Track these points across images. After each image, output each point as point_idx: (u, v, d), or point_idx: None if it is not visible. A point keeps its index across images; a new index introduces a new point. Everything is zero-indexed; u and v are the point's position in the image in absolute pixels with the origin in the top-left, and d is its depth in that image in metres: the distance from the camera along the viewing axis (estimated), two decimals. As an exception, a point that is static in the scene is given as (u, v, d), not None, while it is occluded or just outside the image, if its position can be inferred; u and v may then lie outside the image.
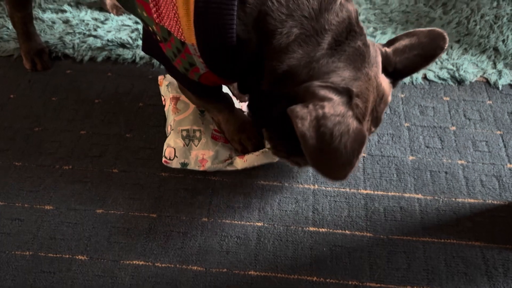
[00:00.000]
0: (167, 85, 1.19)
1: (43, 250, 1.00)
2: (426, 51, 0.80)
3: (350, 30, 0.73)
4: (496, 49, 1.40)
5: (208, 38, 0.74)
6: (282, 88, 0.74)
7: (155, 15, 0.77)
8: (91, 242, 1.01)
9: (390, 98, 0.83)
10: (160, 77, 1.24)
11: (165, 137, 1.13)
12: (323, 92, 0.68)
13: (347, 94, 0.70)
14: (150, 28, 0.84)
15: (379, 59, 0.78)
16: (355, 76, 0.73)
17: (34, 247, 1.00)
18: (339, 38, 0.72)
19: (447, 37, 0.80)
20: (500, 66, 1.36)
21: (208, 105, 1.06)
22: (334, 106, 0.67)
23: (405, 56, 0.80)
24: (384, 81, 0.79)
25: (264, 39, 0.73)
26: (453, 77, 1.34)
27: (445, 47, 0.79)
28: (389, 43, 0.83)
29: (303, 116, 0.66)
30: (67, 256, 0.99)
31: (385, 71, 0.80)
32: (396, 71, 0.81)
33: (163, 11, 0.76)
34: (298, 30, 0.71)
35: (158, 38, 0.83)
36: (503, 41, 1.42)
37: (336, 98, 0.69)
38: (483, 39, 1.43)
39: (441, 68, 1.36)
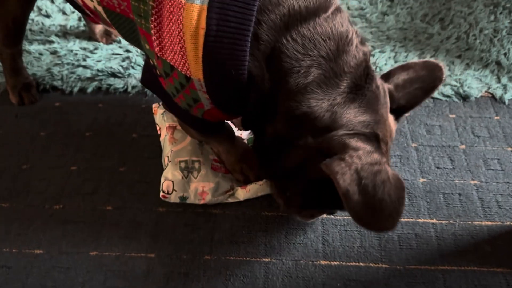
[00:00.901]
0: (162, 114, 1.13)
1: (33, 299, 0.92)
2: (426, 84, 0.79)
3: (368, 74, 0.71)
4: (498, 63, 1.37)
5: (218, 74, 0.69)
6: (299, 131, 0.71)
7: (157, 48, 0.73)
8: (85, 288, 0.93)
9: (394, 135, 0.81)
10: (154, 105, 1.18)
11: (161, 169, 1.06)
12: (354, 142, 0.66)
13: (375, 139, 0.68)
14: (151, 61, 0.79)
15: (388, 98, 0.76)
16: (376, 120, 0.70)
17: (23, 296, 0.92)
18: (358, 82, 0.70)
19: (443, 67, 0.79)
20: (504, 80, 1.32)
21: (209, 138, 1.00)
22: (369, 155, 0.64)
23: (407, 91, 0.79)
24: (391, 119, 0.77)
25: (279, 78, 0.69)
26: (457, 94, 1.29)
27: (444, 78, 0.79)
28: (386, 78, 0.81)
29: (343, 171, 0.62)
30: (60, 305, 0.91)
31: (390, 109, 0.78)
32: (399, 107, 0.80)
33: (167, 44, 0.71)
34: (317, 70, 0.68)
35: (158, 72, 0.78)
36: (505, 54, 1.38)
37: (368, 146, 0.66)
38: (485, 53, 1.39)
39: (444, 85, 1.31)
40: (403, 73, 0.80)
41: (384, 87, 0.76)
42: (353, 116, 0.68)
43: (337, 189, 0.63)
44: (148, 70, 0.85)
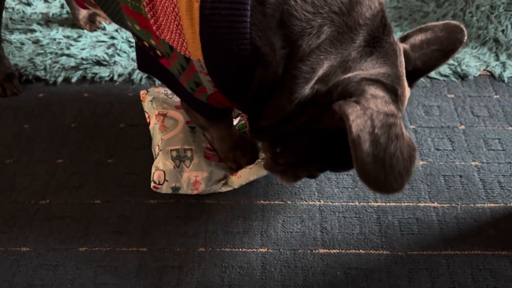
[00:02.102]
0: (151, 101, 1.08)
1: (20, 300, 0.88)
2: (445, 46, 0.72)
3: (385, 25, 0.65)
4: (496, 40, 1.33)
5: (218, 52, 0.64)
6: (311, 94, 0.64)
7: (154, 27, 0.67)
8: (75, 286, 0.89)
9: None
10: (142, 92, 1.13)
11: (151, 160, 1.02)
12: (373, 89, 0.59)
13: (394, 92, 0.61)
14: (145, 43, 0.73)
15: (403, 58, 0.69)
16: (395, 74, 0.64)
17: (9, 297, 0.88)
18: (376, 34, 0.64)
19: (464, 29, 0.73)
20: (503, 57, 1.28)
21: (211, 125, 0.95)
22: (386, 105, 0.58)
23: (424, 52, 0.72)
24: (406, 83, 0.71)
25: (289, 44, 0.63)
26: (455, 73, 1.25)
27: (464, 40, 0.72)
28: (402, 40, 0.74)
29: (357, 114, 0.56)
30: (48, 304, 0.87)
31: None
32: (415, 69, 0.73)
33: (163, 23, 0.65)
34: (329, 27, 0.62)
35: (158, 53, 0.73)
36: (503, 31, 1.34)
37: (386, 96, 0.59)
38: (482, 31, 1.35)
39: (441, 64, 1.27)
40: (420, 34, 0.74)
41: (400, 46, 0.70)
42: (371, 67, 0.63)
43: (347, 133, 0.56)
44: (142, 54, 0.79)
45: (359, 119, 0.56)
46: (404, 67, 0.69)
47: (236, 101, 0.75)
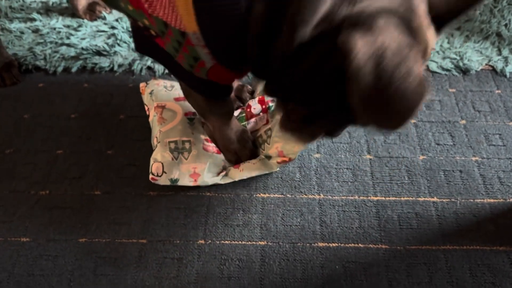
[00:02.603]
0: (150, 93, 1.08)
1: (20, 289, 0.88)
2: None
3: None
4: (499, 35, 1.32)
5: (213, 20, 0.62)
6: (314, 39, 0.58)
7: (146, 5, 0.66)
8: (75, 277, 0.89)
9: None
10: (141, 85, 1.13)
11: (151, 151, 1.02)
12: (383, 19, 0.51)
13: (407, 24, 0.53)
14: (139, 23, 0.72)
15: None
16: (409, 7, 0.55)
17: (10, 287, 0.88)
18: None
19: None
20: (505, 52, 1.27)
21: (212, 109, 0.93)
22: (398, 35, 0.51)
23: None
24: (431, 30, 0.61)
25: None
26: (457, 67, 1.25)
27: None
28: None
29: (362, 45, 0.49)
30: (48, 294, 0.87)
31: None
32: (438, 15, 0.62)
33: None
34: None
35: (153, 32, 0.72)
36: (506, 25, 1.33)
37: (399, 26, 0.52)
38: (485, 25, 1.34)
39: (443, 58, 1.27)
40: None
41: None
42: (381, 1, 0.54)
43: (347, 66, 0.51)
44: (138, 35, 0.78)
45: (363, 49, 0.50)
46: (425, 3, 0.60)
47: (237, 68, 0.73)
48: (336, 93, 0.62)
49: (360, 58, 0.49)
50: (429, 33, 0.60)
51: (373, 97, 0.50)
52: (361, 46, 0.50)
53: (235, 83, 1.11)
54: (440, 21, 0.63)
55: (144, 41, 0.76)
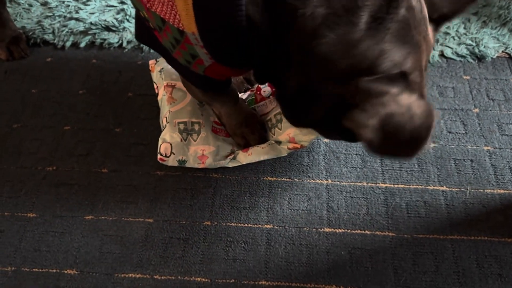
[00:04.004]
0: (160, 71, 1.06)
1: (27, 264, 0.89)
2: None
3: (390, 1, 0.59)
4: (517, 21, 1.28)
5: (213, 25, 0.61)
6: (318, 82, 0.62)
7: None
8: (81, 254, 0.90)
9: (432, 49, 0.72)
10: (151, 62, 1.11)
11: (159, 131, 1.01)
12: (378, 87, 0.57)
13: (403, 78, 0.58)
14: (141, 13, 0.71)
15: (425, 11, 0.64)
16: (405, 54, 0.60)
17: (16, 261, 0.89)
18: (378, 14, 0.58)
19: None
20: (523, 39, 1.24)
21: (213, 99, 0.93)
22: (394, 99, 0.57)
23: None
24: (430, 31, 0.66)
25: (284, 22, 0.59)
26: (472, 54, 1.22)
27: None
28: None
29: (366, 123, 0.57)
30: (54, 270, 0.88)
31: (429, 18, 0.67)
32: (440, 16, 0.69)
33: None
34: (324, 10, 0.57)
35: (151, 25, 0.70)
36: (525, 12, 1.30)
37: (394, 90, 0.57)
38: (503, 10, 1.30)
39: (459, 44, 1.24)
40: None
41: (421, 5, 0.64)
42: (376, 56, 0.58)
43: (361, 140, 0.59)
44: (140, 24, 0.77)
45: (368, 126, 0.57)
46: (427, 21, 0.64)
47: (238, 70, 0.75)
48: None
49: (367, 133, 0.58)
50: (431, 35, 0.67)
51: (385, 146, 0.58)
52: (366, 123, 0.58)
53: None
54: (440, 19, 0.69)
55: (145, 31, 0.75)
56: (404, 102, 0.57)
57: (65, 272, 0.88)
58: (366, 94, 0.58)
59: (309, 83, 0.63)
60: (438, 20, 0.69)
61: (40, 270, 0.88)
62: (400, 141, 0.57)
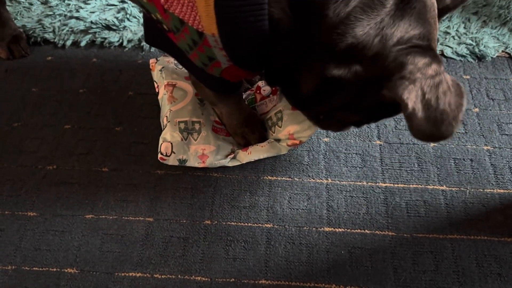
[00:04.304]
0: (160, 70, 1.06)
1: (27, 263, 0.89)
2: None
3: None
4: (517, 21, 1.28)
5: (234, 27, 0.61)
6: (347, 67, 0.64)
7: (162, 0, 0.64)
8: (81, 252, 0.90)
9: None
10: (151, 61, 1.11)
11: (159, 130, 1.01)
12: (412, 57, 0.60)
13: (431, 50, 0.61)
14: (153, 16, 0.71)
15: (435, 10, 0.68)
16: (429, 30, 0.63)
17: (17, 260, 0.89)
18: None
19: None
20: (523, 39, 1.24)
21: (221, 100, 0.93)
22: (429, 67, 0.59)
23: None
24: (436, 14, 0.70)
25: (313, 14, 0.61)
26: (472, 53, 1.22)
27: None
28: None
29: (409, 89, 0.58)
30: (55, 269, 0.88)
31: None
32: (443, 8, 0.73)
33: None
34: None
35: (165, 27, 0.70)
36: (525, 11, 1.30)
37: (426, 59, 0.60)
38: (503, 10, 1.31)
39: (459, 44, 1.24)
40: None
41: None
42: (404, 32, 0.62)
43: (402, 110, 0.59)
44: (150, 27, 0.76)
45: (411, 94, 0.58)
46: (436, 10, 0.68)
47: (254, 70, 0.75)
48: (368, 113, 0.73)
49: (410, 106, 0.58)
50: (436, 35, 0.69)
51: (426, 123, 0.59)
52: (408, 97, 0.59)
53: None
54: (444, 11, 0.73)
55: (156, 33, 0.75)
56: (437, 70, 0.60)
57: (65, 271, 0.88)
58: (402, 64, 0.60)
59: (337, 69, 0.65)
60: (441, 11, 0.72)
61: (41, 269, 0.88)
62: (436, 112, 0.59)
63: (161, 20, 0.69)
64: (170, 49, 0.76)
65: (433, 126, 0.59)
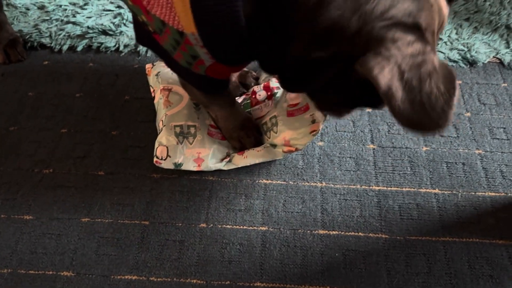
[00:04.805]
0: (156, 75, 1.07)
1: (23, 266, 0.89)
2: None
3: None
4: (508, 27, 1.31)
5: (212, 24, 0.62)
6: (326, 49, 0.60)
7: (144, 2, 0.65)
8: (77, 256, 0.90)
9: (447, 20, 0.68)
10: (148, 66, 1.12)
11: (155, 134, 1.02)
12: (392, 33, 0.55)
13: (417, 29, 0.56)
14: (139, 18, 0.72)
15: None
16: (418, 7, 0.57)
17: (13, 263, 0.90)
18: None
19: None
20: (514, 45, 1.26)
21: (212, 102, 0.94)
22: (410, 45, 0.54)
23: None
24: (443, 3, 0.64)
25: (286, 2, 0.59)
26: (464, 59, 1.24)
27: None
28: None
29: (381, 65, 0.53)
30: (51, 272, 0.88)
31: None
32: None
33: None
34: None
35: (151, 29, 0.71)
36: (515, 18, 1.32)
37: (408, 36, 0.55)
38: (494, 16, 1.33)
39: (451, 49, 1.26)
40: None
41: None
42: (388, 5, 0.55)
43: (376, 89, 0.54)
44: (139, 28, 0.78)
45: (384, 70, 0.53)
46: (440, 3, 0.62)
47: (238, 66, 0.75)
48: (361, 94, 0.67)
49: (384, 83, 0.53)
50: (444, 5, 0.63)
51: (410, 108, 0.53)
52: (379, 73, 0.53)
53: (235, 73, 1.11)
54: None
55: (144, 34, 0.76)
56: (420, 49, 0.55)
57: (62, 274, 0.88)
58: (378, 40, 0.55)
59: (316, 52, 0.61)
60: None
61: (37, 272, 0.89)
62: (421, 95, 0.53)
63: (146, 22, 0.70)
64: (158, 50, 0.77)
65: (421, 112, 0.53)
